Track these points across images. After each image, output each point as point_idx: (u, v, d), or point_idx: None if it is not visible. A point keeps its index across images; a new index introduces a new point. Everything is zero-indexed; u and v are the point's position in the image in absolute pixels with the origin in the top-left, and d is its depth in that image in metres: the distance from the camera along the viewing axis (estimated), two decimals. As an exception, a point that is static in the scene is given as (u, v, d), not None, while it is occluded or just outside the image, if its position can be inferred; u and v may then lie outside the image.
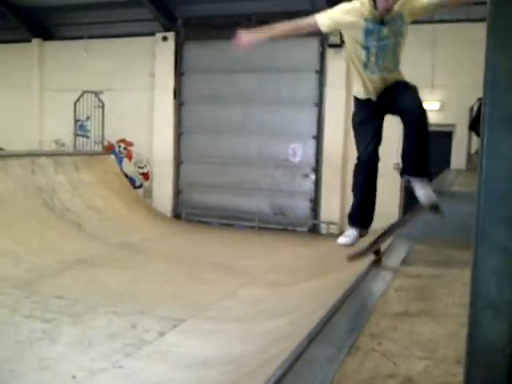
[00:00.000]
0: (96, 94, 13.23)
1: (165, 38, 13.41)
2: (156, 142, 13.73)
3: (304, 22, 4.21)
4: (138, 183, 14.19)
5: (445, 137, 10.99)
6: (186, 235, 11.68)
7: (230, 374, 3.78)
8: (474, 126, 9.73)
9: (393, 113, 4.16)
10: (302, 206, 12.61)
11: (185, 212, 13.60)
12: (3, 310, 5.74)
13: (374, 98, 4.08)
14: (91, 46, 14.14)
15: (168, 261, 8.67)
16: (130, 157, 14.27)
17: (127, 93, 13.83)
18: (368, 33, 3.87)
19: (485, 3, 1.35)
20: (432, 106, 10.84)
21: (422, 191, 3.98)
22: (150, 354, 4.68)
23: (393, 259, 4.52)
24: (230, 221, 12.99)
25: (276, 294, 6.41)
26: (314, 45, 12.21)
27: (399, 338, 2.60)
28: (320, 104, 12.24)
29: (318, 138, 12.33)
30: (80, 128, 13.76)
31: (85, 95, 13.11)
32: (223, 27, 12.81)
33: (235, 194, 13.06)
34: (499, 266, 1.31)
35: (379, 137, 4.16)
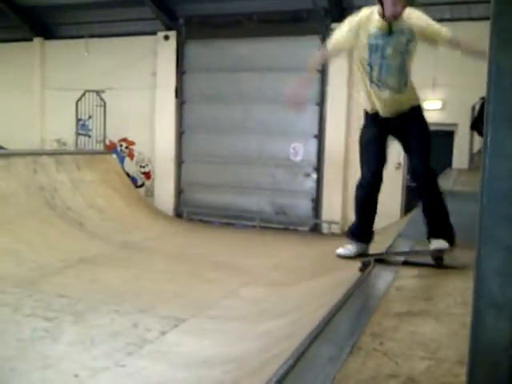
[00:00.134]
0: (98, 92, 13.25)
1: (166, 37, 13.41)
2: (157, 140, 13.74)
3: (324, 54, 4.26)
4: (139, 182, 14.20)
5: (447, 136, 10.97)
6: (187, 234, 11.69)
7: (231, 374, 3.78)
8: (476, 125, 9.71)
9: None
10: (304, 206, 12.60)
11: (186, 211, 13.61)
12: (5, 309, 5.75)
13: (382, 114, 4.08)
14: (93, 44, 14.14)
15: (170, 260, 8.68)
16: (131, 156, 14.28)
17: (129, 92, 13.84)
18: (372, 49, 3.87)
19: (487, 1, 1.34)
20: (434, 105, 10.84)
21: (437, 244, 4.01)
22: (151, 353, 4.68)
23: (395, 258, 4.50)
24: (231, 220, 12.99)
25: (278, 293, 6.41)
26: (315, 44, 12.17)
27: (401, 337, 2.59)
28: (321, 103, 12.23)
29: (320, 137, 12.32)
30: (82, 127, 13.77)
31: (86, 94, 13.13)
32: (225, 26, 12.86)
33: (236, 193, 13.06)
34: (502, 265, 1.31)
35: (385, 158, 4.18)
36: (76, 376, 4.15)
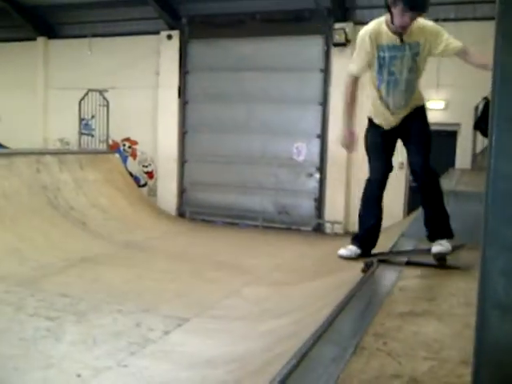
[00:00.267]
0: (101, 92, 13.25)
1: (169, 37, 13.41)
2: (160, 140, 13.75)
3: (348, 89, 4.09)
4: (142, 182, 14.21)
5: (449, 136, 10.95)
6: (190, 234, 11.69)
7: (234, 373, 3.78)
8: (479, 125, 9.70)
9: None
10: (307, 205, 12.60)
11: (189, 210, 13.61)
12: (8, 308, 5.75)
13: (388, 127, 4.10)
14: (96, 44, 14.16)
15: (172, 259, 8.68)
16: (134, 155, 14.30)
17: (132, 91, 13.85)
18: (381, 63, 3.86)
19: (492, 1, 1.34)
20: (437, 105, 10.83)
21: (439, 247, 4.01)
22: (154, 352, 4.68)
23: (398, 259, 4.50)
24: (234, 219, 12.99)
25: (280, 293, 6.40)
26: (318, 43, 12.19)
27: (404, 337, 2.59)
28: (324, 103, 12.22)
29: (323, 136, 12.31)
30: (85, 126, 13.78)
31: (89, 94, 13.14)
32: (228, 25, 12.85)
33: (239, 193, 13.06)
34: (507, 265, 1.30)
35: (390, 163, 4.21)
36: (78, 375, 4.15)
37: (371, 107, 4.17)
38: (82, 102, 13.16)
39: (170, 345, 4.88)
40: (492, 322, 1.32)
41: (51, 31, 15.12)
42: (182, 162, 13.82)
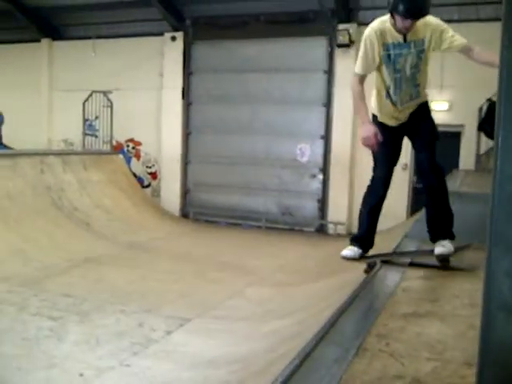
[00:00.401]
0: (105, 93, 13.28)
1: (173, 38, 13.43)
2: (164, 141, 13.77)
3: (356, 89, 4.05)
4: (146, 182, 14.23)
5: (453, 137, 10.94)
6: (193, 234, 11.70)
7: (236, 374, 3.77)
8: (483, 126, 9.68)
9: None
10: (310, 206, 12.59)
11: (192, 211, 13.63)
12: (11, 308, 5.76)
13: (393, 124, 4.10)
14: (100, 45, 14.18)
15: (176, 260, 8.69)
16: (138, 156, 14.31)
17: (136, 92, 13.87)
18: (386, 60, 3.87)
19: (495, 2, 1.33)
20: (441, 106, 10.81)
21: (441, 248, 4.00)
22: (156, 352, 4.68)
23: (401, 260, 4.49)
24: (237, 220, 13.00)
25: (283, 293, 6.39)
26: (322, 45, 12.19)
27: (407, 338, 2.58)
28: (328, 104, 12.21)
29: (326, 138, 12.31)
30: (89, 127, 13.81)
31: (93, 95, 13.17)
32: (232, 27, 12.86)
33: (243, 194, 13.07)
34: (513, 267, 1.30)
35: (396, 159, 4.21)
36: (81, 375, 4.15)
37: (376, 104, 4.16)
38: (86, 103, 13.19)
39: (172, 345, 4.88)
40: (497, 322, 1.32)
41: (55, 33, 15.17)
42: (186, 162, 13.83)
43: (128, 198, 11.87)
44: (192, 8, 13.25)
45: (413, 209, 10.83)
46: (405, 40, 3.79)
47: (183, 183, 13.85)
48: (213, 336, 5.08)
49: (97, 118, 13.60)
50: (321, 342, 2.57)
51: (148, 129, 13.91)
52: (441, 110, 10.74)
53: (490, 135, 9.18)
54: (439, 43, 3.77)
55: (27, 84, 15.16)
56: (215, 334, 5.14)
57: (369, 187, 4.32)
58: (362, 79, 4.02)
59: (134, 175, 13.75)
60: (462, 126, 11.03)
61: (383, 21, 3.85)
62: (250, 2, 12.41)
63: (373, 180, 4.28)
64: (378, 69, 3.99)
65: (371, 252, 4.40)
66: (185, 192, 13.87)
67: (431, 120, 4.14)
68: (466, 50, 3.79)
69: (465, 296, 3.30)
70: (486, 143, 9.98)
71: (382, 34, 3.81)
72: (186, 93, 13.59)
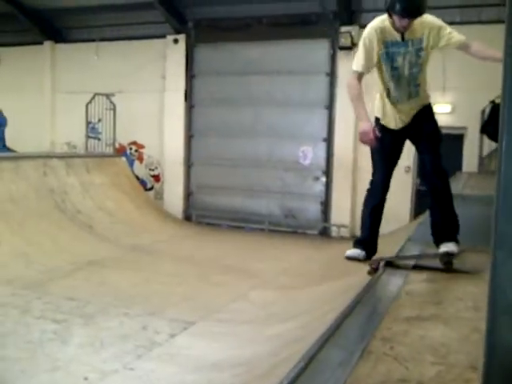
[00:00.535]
0: (107, 96, 13.30)
1: (176, 41, 13.44)
2: (167, 144, 13.78)
3: (354, 85, 4.03)
4: (149, 185, 14.24)
5: (456, 139, 10.91)
6: (196, 237, 11.70)
7: (240, 377, 3.78)
8: (486, 128, 9.66)
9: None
10: (313, 209, 12.58)
11: (195, 214, 13.62)
12: (15, 311, 5.77)
13: (395, 126, 4.10)
14: (102, 48, 14.21)
15: (179, 263, 8.69)
16: (141, 159, 14.32)
17: (138, 95, 13.88)
18: (385, 58, 3.88)
19: (497, 5, 1.33)
20: (443, 108, 10.79)
21: (446, 248, 4.00)
22: (160, 355, 4.68)
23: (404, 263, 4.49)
24: (240, 223, 12.99)
25: (287, 296, 6.39)
26: (324, 47, 12.20)
27: (411, 342, 2.58)
28: (330, 106, 12.20)
29: (329, 140, 12.30)
30: (91, 130, 13.83)
31: (96, 97, 13.19)
32: (234, 29, 12.87)
33: (245, 197, 13.06)
34: (517, 270, 1.30)
35: (395, 164, 4.20)
36: (85, 378, 4.16)
37: (379, 106, 4.17)
38: (89, 105, 13.21)
39: (176, 348, 4.88)
40: (502, 326, 1.32)
41: (58, 35, 15.19)
42: (189, 165, 13.83)
43: (131, 200, 11.88)
44: (194, 10, 13.27)
45: (416, 211, 10.81)
46: (403, 39, 3.81)
47: (186, 186, 13.85)
48: (216, 339, 5.08)
49: (100, 120, 13.61)
50: (325, 345, 2.57)
51: (151, 131, 13.92)
52: (443, 112, 10.72)
53: (493, 138, 9.17)
54: (437, 41, 3.80)
55: (30, 86, 15.18)
56: (219, 337, 5.14)
57: (368, 191, 4.33)
58: (359, 77, 4.03)
59: (137, 178, 13.76)
60: (464, 128, 11.01)
61: (383, 19, 3.88)
62: (252, 5, 12.43)
63: (372, 184, 4.29)
64: (379, 68, 4.00)
65: (374, 256, 4.39)
66: (188, 195, 13.87)
67: (435, 122, 4.14)
68: (464, 47, 3.82)
69: (468, 299, 3.29)
70: (489, 145, 9.96)
71: (381, 31, 3.84)
72: (188, 95, 13.60)
